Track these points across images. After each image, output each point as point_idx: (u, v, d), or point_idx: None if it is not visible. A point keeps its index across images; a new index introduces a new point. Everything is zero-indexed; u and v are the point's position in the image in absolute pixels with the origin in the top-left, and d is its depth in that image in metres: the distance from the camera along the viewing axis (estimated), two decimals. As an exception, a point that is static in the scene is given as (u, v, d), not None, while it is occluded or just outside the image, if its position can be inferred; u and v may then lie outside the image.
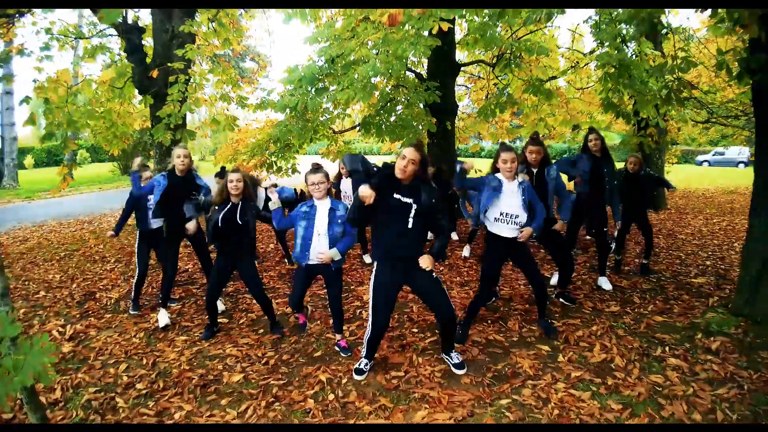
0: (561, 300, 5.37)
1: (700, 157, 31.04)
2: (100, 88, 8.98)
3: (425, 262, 3.55)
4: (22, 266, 7.87)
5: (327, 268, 4.11)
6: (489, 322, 4.92)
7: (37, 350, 2.33)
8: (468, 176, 4.64)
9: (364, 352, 3.95)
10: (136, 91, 8.98)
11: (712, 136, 19.99)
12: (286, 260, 7.45)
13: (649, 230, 6.35)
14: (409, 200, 3.52)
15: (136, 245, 5.52)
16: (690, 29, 10.96)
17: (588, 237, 8.01)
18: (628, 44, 6.73)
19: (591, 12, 7.05)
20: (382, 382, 3.79)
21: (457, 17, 7.01)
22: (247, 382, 3.89)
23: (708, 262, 6.99)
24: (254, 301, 5.63)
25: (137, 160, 5.37)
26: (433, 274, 3.66)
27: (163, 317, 5.10)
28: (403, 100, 9.04)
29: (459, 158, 5.02)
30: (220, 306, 5.41)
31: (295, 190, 4.96)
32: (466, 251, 7.67)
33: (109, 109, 8.96)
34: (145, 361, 4.31)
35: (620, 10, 5.80)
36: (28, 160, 32.69)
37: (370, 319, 3.76)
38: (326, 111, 8.02)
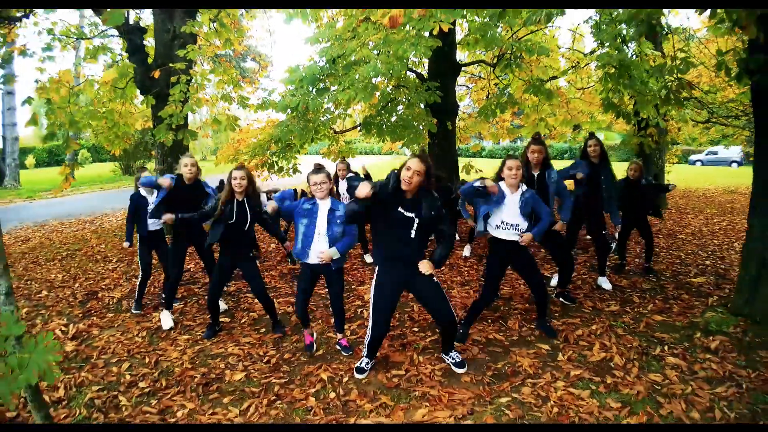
0: (561, 299, 5.40)
1: (693, 157, 31.15)
2: (102, 88, 9.02)
3: (425, 266, 3.59)
4: (24, 266, 7.90)
5: (328, 268, 4.13)
6: (489, 321, 4.94)
7: (42, 348, 2.36)
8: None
9: (365, 351, 3.98)
10: (138, 91, 9.02)
11: (712, 136, 20.01)
12: (288, 260, 7.48)
13: (650, 235, 6.40)
14: (411, 214, 3.54)
15: (138, 247, 5.56)
16: (690, 29, 10.97)
17: (588, 237, 8.03)
18: (629, 45, 6.75)
19: (591, 12, 7.07)
20: (383, 380, 3.82)
21: (457, 18, 7.03)
22: (249, 381, 3.92)
23: (708, 262, 7.01)
24: (256, 300, 5.67)
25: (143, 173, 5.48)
26: (433, 278, 3.69)
27: (166, 320, 5.13)
28: (403, 100, 9.06)
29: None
30: (222, 305, 5.45)
31: (294, 190, 4.98)
32: (466, 251, 7.70)
33: (110, 110, 9.00)
34: (147, 360, 4.34)
35: (620, 11, 5.81)
36: (30, 160, 32.77)
37: (371, 322, 3.79)
38: (327, 111, 8.04)
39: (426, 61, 10.00)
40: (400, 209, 3.53)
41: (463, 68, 10.95)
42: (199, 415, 3.46)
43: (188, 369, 4.13)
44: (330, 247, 4.03)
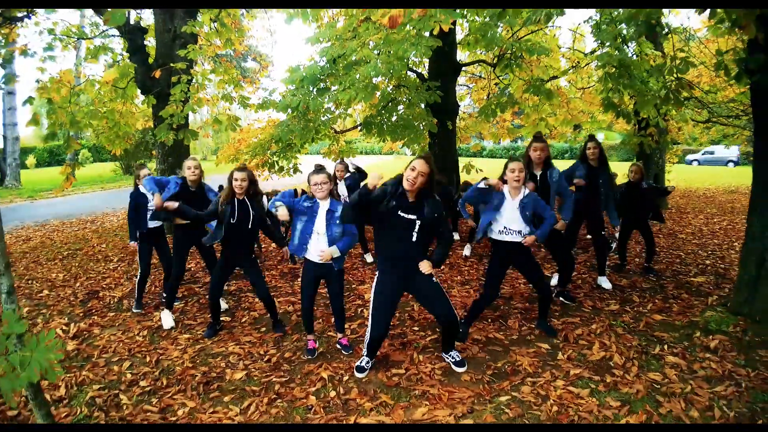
0: (561, 299, 5.41)
1: (690, 156, 31.27)
2: (103, 88, 9.05)
3: (425, 266, 3.62)
4: (25, 265, 7.92)
5: (329, 268, 4.13)
6: (489, 320, 4.96)
7: (43, 347, 2.37)
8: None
9: (365, 351, 4.00)
10: (139, 91, 9.05)
11: (713, 136, 20.02)
12: (288, 259, 7.49)
13: (651, 237, 6.42)
14: (413, 216, 3.56)
15: (137, 245, 5.57)
16: (690, 29, 10.96)
17: (588, 236, 8.04)
18: (629, 44, 6.76)
19: (592, 12, 7.08)
20: (383, 379, 3.83)
21: (459, 18, 7.04)
22: (250, 380, 3.93)
23: (708, 262, 7.02)
24: (256, 299, 5.69)
25: (145, 170, 5.50)
26: (433, 278, 3.71)
27: (167, 319, 5.14)
28: (404, 100, 9.07)
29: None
30: (223, 305, 5.46)
31: (295, 190, 4.99)
32: (466, 250, 7.71)
33: (111, 109, 9.02)
34: (148, 359, 4.35)
35: (620, 11, 5.82)
36: (30, 159, 32.81)
37: (370, 324, 3.80)
38: (328, 111, 8.04)
39: (426, 61, 10.01)
40: (400, 213, 3.55)
41: (463, 68, 10.96)
42: (200, 413, 3.47)
43: (189, 368, 4.14)
44: (330, 246, 4.04)
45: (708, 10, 3.84)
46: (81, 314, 5.55)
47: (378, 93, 9.01)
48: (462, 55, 11.26)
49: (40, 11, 8.30)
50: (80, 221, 12.39)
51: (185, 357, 4.35)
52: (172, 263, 5.56)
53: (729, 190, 16.19)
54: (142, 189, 5.44)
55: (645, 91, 6.10)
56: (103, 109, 8.96)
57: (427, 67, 10.31)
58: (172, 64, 7.69)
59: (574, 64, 10.89)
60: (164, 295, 5.35)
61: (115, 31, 9.17)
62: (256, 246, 4.79)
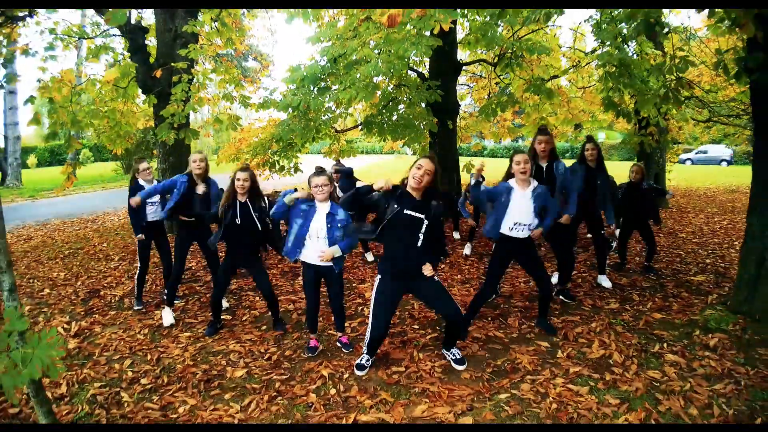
0: (561, 297, 5.42)
1: (683, 156, 31.38)
2: (104, 87, 9.06)
3: (428, 270, 3.65)
4: (26, 264, 7.94)
5: (329, 269, 4.15)
6: (489, 318, 4.97)
7: (45, 344, 2.39)
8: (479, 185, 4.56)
9: (365, 349, 4.01)
10: (140, 90, 9.06)
11: (713, 135, 20.02)
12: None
13: (652, 237, 6.43)
14: (420, 215, 3.58)
15: (137, 239, 5.58)
16: (691, 28, 10.96)
17: (588, 235, 8.06)
18: (629, 44, 6.76)
19: (592, 11, 7.09)
20: (383, 377, 3.84)
21: (458, 17, 7.05)
22: (250, 377, 3.94)
23: (708, 261, 7.03)
24: (257, 298, 5.71)
25: (144, 164, 5.51)
26: (434, 277, 3.72)
27: (167, 316, 5.17)
28: (404, 99, 9.09)
29: (468, 164, 4.90)
30: (224, 303, 5.47)
31: (295, 189, 4.99)
32: (467, 249, 7.72)
33: (112, 109, 9.03)
34: (149, 357, 4.37)
35: (620, 10, 5.83)
36: (31, 159, 32.84)
37: (371, 324, 3.82)
38: (328, 110, 8.06)
39: (427, 60, 10.02)
40: (407, 211, 3.57)
41: (464, 67, 10.98)
42: (201, 411, 3.49)
43: (190, 366, 4.16)
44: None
45: (707, 10, 3.84)
46: (82, 313, 5.56)
47: (378, 92, 9.03)
48: (462, 55, 11.28)
49: (41, 11, 8.32)
50: (81, 220, 12.41)
51: (186, 355, 4.36)
52: (171, 261, 5.60)
53: (729, 190, 16.19)
54: (141, 181, 5.46)
55: (645, 90, 6.11)
56: (104, 109, 8.97)
57: (427, 67, 10.33)
58: (173, 64, 7.70)
59: (574, 64, 10.89)
60: (165, 291, 5.37)
61: (116, 31, 9.18)
62: (261, 248, 4.78)
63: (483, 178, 4.31)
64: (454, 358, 4.00)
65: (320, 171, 4.17)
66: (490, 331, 4.65)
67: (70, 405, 3.63)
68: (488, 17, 7.51)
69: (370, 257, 7.41)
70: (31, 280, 6.96)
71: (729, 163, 29.84)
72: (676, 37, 9.64)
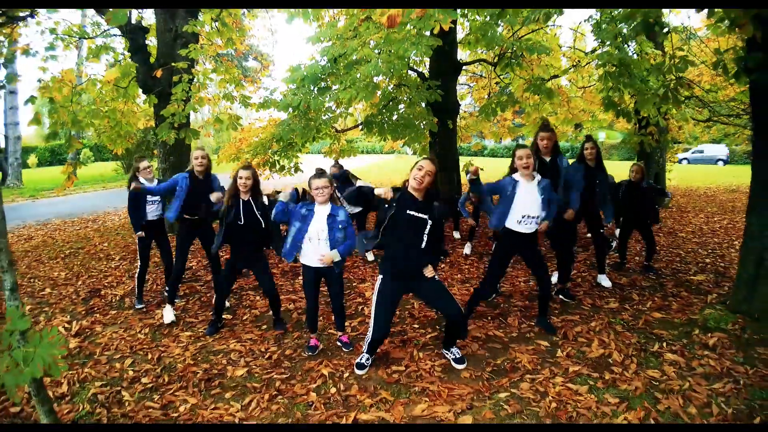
0: (561, 297, 5.43)
1: (679, 155, 31.42)
2: (105, 87, 9.07)
3: (429, 272, 3.69)
4: (27, 264, 7.95)
5: (330, 269, 4.16)
6: (489, 318, 4.98)
7: (47, 343, 2.40)
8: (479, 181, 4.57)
9: (365, 348, 4.02)
10: (140, 90, 9.07)
11: (714, 135, 20.01)
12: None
13: (651, 236, 6.45)
14: (424, 216, 3.60)
15: (137, 237, 5.60)
16: (691, 28, 10.96)
17: (588, 235, 8.07)
18: (629, 43, 6.77)
19: (592, 11, 7.09)
20: (383, 376, 3.86)
21: (458, 17, 7.06)
22: (251, 376, 3.96)
23: (708, 260, 7.04)
24: (257, 297, 5.73)
25: (145, 162, 5.54)
26: (435, 278, 3.74)
27: (168, 314, 5.19)
28: (405, 99, 9.09)
29: (468, 164, 4.93)
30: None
31: (296, 189, 5.00)
32: (467, 249, 7.73)
33: (113, 109, 9.04)
34: (150, 356, 4.38)
35: (620, 10, 5.84)
36: (32, 159, 32.84)
37: (373, 324, 3.83)
38: (329, 110, 8.06)
39: (427, 60, 10.03)
40: (410, 211, 3.59)
41: (464, 67, 10.99)
42: (201, 409, 3.50)
43: (190, 365, 4.17)
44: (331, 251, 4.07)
45: (706, 10, 3.85)
46: (83, 312, 5.58)
47: (379, 92, 9.03)
48: (463, 54, 11.29)
49: (42, 11, 8.33)
50: (82, 220, 12.42)
51: (187, 354, 4.38)
52: (172, 259, 5.63)
53: (730, 189, 16.18)
54: (141, 179, 5.48)
55: (645, 90, 6.12)
56: (105, 109, 8.98)
57: (427, 66, 10.33)
58: (173, 64, 7.70)
59: (574, 63, 10.89)
60: (166, 289, 5.39)
61: (117, 31, 9.19)
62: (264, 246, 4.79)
63: (477, 175, 4.32)
64: (453, 357, 4.02)
65: (320, 173, 4.18)
66: (490, 331, 4.66)
67: (71, 404, 3.65)
68: (488, 17, 7.52)
69: (370, 257, 7.42)
70: (32, 280, 6.97)
71: (725, 162, 30.08)
72: (676, 37, 9.66)
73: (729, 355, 4.00)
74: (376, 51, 6.53)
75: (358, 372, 3.92)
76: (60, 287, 6.57)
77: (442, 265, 6.90)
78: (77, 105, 8.24)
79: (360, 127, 9.74)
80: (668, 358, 4.00)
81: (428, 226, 3.60)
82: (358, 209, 7.07)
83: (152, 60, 8.87)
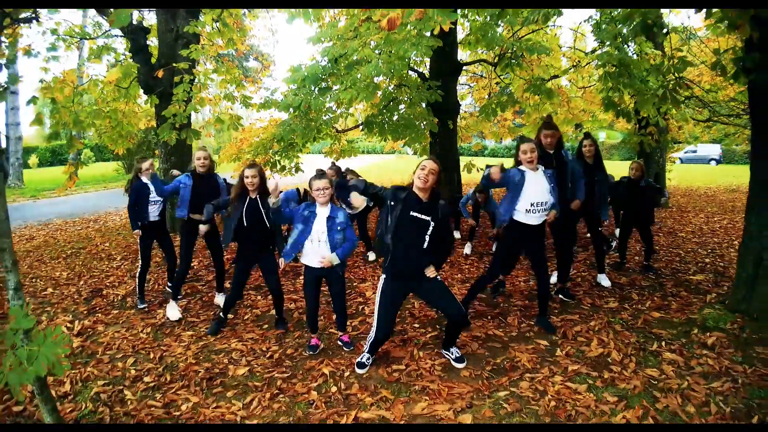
0: (560, 296, 5.46)
1: (673, 155, 31.49)
2: (106, 88, 9.10)
3: (431, 272, 3.70)
4: (29, 264, 7.98)
5: (331, 270, 4.18)
6: (489, 317, 5.00)
7: (51, 342, 2.42)
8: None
9: (366, 348, 4.05)
10: (141, 90, 9.09)
11: (714, 135, 19.99)
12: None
13: (650, 235, 6.46)
14: (427, 218, 3.61)
15: (139, 237, 5.63)
16: (691, 28, 10.98)
17: (588, 234, 8.09)
18: (629, 44, 6.79)
19: (592, 11, 7.11)
20: (383, 375, 3.88)
21: (458, 18, 7.08)
22: (252, 375, 3.98)
23: (707, 260, 7.05)
24: (258, 297, 5.75)
25: (147, 162, 5.56)
26: (437, 278, 3.76)
27: (174, 311, 5.26)
28: (405, 99, 9.11)
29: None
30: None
31: (297, 190, 5.03)
32: (467, 249, 7.75)
33: (114, 109, 9.07)
34: (152, 356, 4.41)
35: (619, 10, 5.86)
36: (33, 159, 32.87)
37: (376, 325, 3.85)
38: (329, 110, 8.08)
39: (427, 60, 10.04)
40: (413, 213, 3.60)
41: (464, 67, 11.00)
42: (203, 408, 3.52)
43: (192, 364, 4.19)
44: (332, 252, 4.09)
45: (704, 10, 3.87)
46: (85, 312, 5.60)
47: (379, 92, 9.05)
48: (463, 55, 11.29)
49: (43, 12, 8.36)
50: (83, 220, 12.45)
51: (188, 353, 4.40)
52: (175, 258, 5.67)
53: (730, 189, 16.19)
54: (144, 179, 5.51)
55: (645, 90, 6.14)
56: (106, 109, 9.00)
57: (428, 67, 10.34)
58: (174, 64, 7.72)
59: (574, 64, 10.90)
60: (168, 288, 5.43)
61: (118, 32, 9.21)
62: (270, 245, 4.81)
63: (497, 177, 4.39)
64: (453, 356, 4.04)
65: (321, 174, 4.20)
66: (490, 330, 4.68)
67: (73, 403, 3.67)
68: (488, 18, 7.54)
69: (371, 256, 7.44)
70: (33, 280, 7.00)
71: (718, 162, 30.32)
72: (676, 37, 9.67)
73: (728, 355, 4.02)
74: (377, 51, 6.55)
75: (359, 371, 3.94)
76: (62, 287, 6.59)
77: (443, 265, 6.91)
78: (79, 105, 8.27)
79: (360, 127, 9.75)
80: (667, 357, 4.02)
81: (430, 228, 3.62)
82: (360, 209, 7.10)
83: (153, 60, 8.89)
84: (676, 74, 5.59)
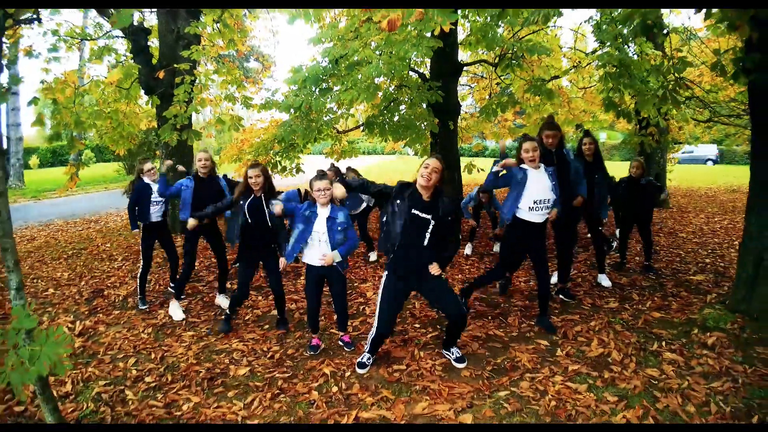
0: (561, 296, 5.46)
1: (673, 155, 31.50)
2: (107, 88, 9.12)
3: (435, 269, 3.71)
4: (30, 264, 7.99)
5: (332, 269, 4.19)
6: (489, 318, 5.01)
7: (53, 341, 2.43)
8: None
9: (367, 347, 4.06)
10: (143, 91, 9.11)
11: (715, 136, 20.00)
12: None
13: (649, 234, 6.46)
14: (427, 216, 3.62)
15: (141, 237, 5.64)
16: (692, 28, 10.99)
17: (588, 235, 8.09)
18: (629, 44, 6.80)
19: (593, 12, 7.12)
20: (384, 375, 3.89)
21: (458, 18, 7.09)
22: (253, 375, 3.99)
23: (708, 260, 7.05)
24: (259, 298, 5.76)
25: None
26: (441, 276, 3.77)
27: (177, 312, 5.30)
28: (406, 100, 9.10)
29: (473, 164, 4.96)
30: (226, 302, 5.53)
31: (299, 190, 5.03)
32: (467, 249, 7.76)
33: (115, 110, 9.10)
34: (153, 356, 4.42)
35: (620, 10, 5.87)
36: (33, 160, 32.89)
37: (377, 321, 3.86)
38: (330, 111, 8.08)
39: (428, 61, 10.04)
40: (414, 210, 3.61)
41: (464, 68, 10.99)
42: (204, 408, 3.53)
43: (193, 364, 4.21)
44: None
45: (703, 11, 3.88)
46: (86, 312, 5.61)
47: (380, 93, 9.04)
48: (463, 55, 11.30)
49: (44, 13, 8.38)
50: (84, 221, 12.46)
51: (189, 353, 4.41)
52: (177, 258, 5.69)
53: (731, 189, 16.18)
54: (146, 180, 5.52)
55: (645, 90, 6.14)
56: (107, 110, 9.03)
57: (428, 67, 10.34)
58: (175, 65, 7.74)
59: (575, 64, 10.91)
60: (170, 288, 5.44)
61: (119, 32, 9.24)
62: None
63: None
64: (454, 356, 4.05)
65: (321, 175, 4.21)
66: (490, 330, 4.69)
67: (75, 403, 3.68)
68: (489, 18, 7.55)
69: (372, 257, 7.45)
70: (35, 280, 7.01)
71: (714, 162, 30.39)
72: (676, 37, 9.67)
73: (728, 355, 4.02)
74: (377, 52, 6.56)
75: (360, 371, 3.95)
76: (63, 287, 6.60)
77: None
78: (80, 106, 8.30)
79: (361, 128, 9.75)
80: (667, 357, 4.02)
81: (431, 226, 3.62)
82: (363, 207, 7.12)
83: (154, 61, 8.91)
84: (676, 75, 5.59)
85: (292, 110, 7.31)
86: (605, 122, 13.12)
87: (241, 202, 4.55)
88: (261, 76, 23.43)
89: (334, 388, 3.72)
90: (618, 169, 6.51)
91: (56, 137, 8.49)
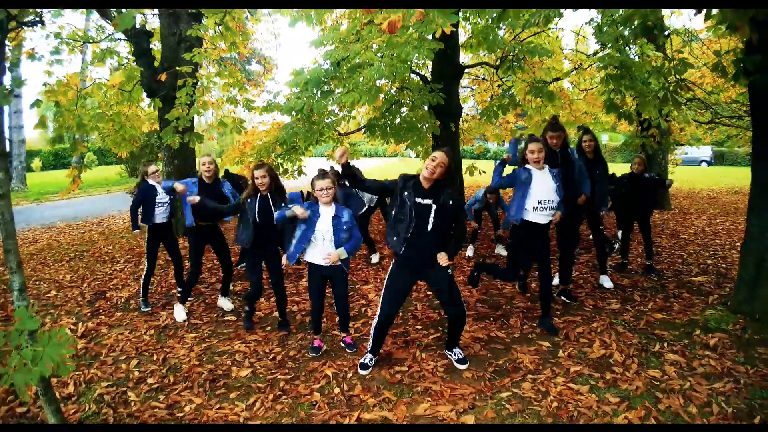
0: (562, 298, 5.46)
1: (675, 155, 31.47)
2: (109, 91, 9.13)
3: (443, 259, 3.68)
4: (32, 266, 8.01)
5: (335, 269, 4.20)
6: (491, 319, 5.01)
7: (55, 342, 2.44)
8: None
9: (369, 344, 4.07)
10: (145, 94, 9.13)
11: (716, 137, 19.98)
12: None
13: (649, 232, 6.45)
14: (428, 201, 3.63)
15: (145, 238, 5.65)
16: (693, 30, 10.99)
17: (591, 237, 8.08)
18: (630, 46, 6.80)
19: (594, 13, 7.13)
20: (386, 376, 3.89)
21: (458, 20, 7.10)
22: (255, 377, 4.00)
23: (709, 261, 7.05)
24: (261, 299, 5.76)
25: (154, 166, 5.61)
26: (449, 270, 3.77)
27: (180, 313, 5.34)
28: (407, 102, 9.11)
29: (474, 166, 4.95)
30: (228, 305, 5.55)
31: (301, 192, 5.04)
32: (469, 251, 7.76)
33: (118, 112, 9.11)
34: (155, 357, 4.43)
35: (620, 12, 5.88)
36: (36, 162, 32.96)
37: (380, 306, 3.88)
38: (332, 113, 8.09)
39: (429, 63, 10.05)
40: (417, 199, 3.63)
41: (466, 70, 11.00)
42: (207, 409, 3.54)
43: (195, 365, 4.21)
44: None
45: (703, 12, 3.88)
46: (89, 314, 5.63)
47: (381, 95, 9.05)
48: (465, 58, 11.31)
49: (47, 15, 8.40)
50: (86, 223, 12.49)
51: (192, 355, 4.42)
52: (182, 260, 5.71)
53: (733, 191, 16.17)
54: (151, 181, 5.54)
55: (646, 92, 6.15)
56: (110, 112, 9.03)
57: (430, 70, 10.34)
58: (177, 68, 7.75)
59: (576, 66, 10.92)
60: (177, 293, 5.45)
61: (121, 35, 9.26)
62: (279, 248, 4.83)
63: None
64: (456, 357, 4.05)
65: (323, 174, 4.22)
66: (492, 332, 4.69)
67: (77, 404, 3.69)
68: (489, 20, 7.56)
69: (375, 259, 7.46)
70: (37, 282, 7.03)
71: (709, 164, 30.53)
72: (677, 39, 9.67)
73: (730, 355, 4.03)
74: (379, 55, 6.57)
75: (362, 372, 3.96)
76: (65, 289, 6.62)
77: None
78: (82, 108, 8.30)
79: (363, 130, 9.76)
80: (669, 358, 4.03)
81: (433, 211, 3.62)
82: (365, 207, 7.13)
83: (156, 64, 8.93)
84: (678, 76, 5.59)
85: (293, 113, 7.32)
86: (607, 124, 13.10)
87: (249, 201, 4.57)
88: (263, 79, 23.49)
89: (336, 390, 3.73)
90: (621, 171, 6.51)
91: (59, 140, 8.56)
